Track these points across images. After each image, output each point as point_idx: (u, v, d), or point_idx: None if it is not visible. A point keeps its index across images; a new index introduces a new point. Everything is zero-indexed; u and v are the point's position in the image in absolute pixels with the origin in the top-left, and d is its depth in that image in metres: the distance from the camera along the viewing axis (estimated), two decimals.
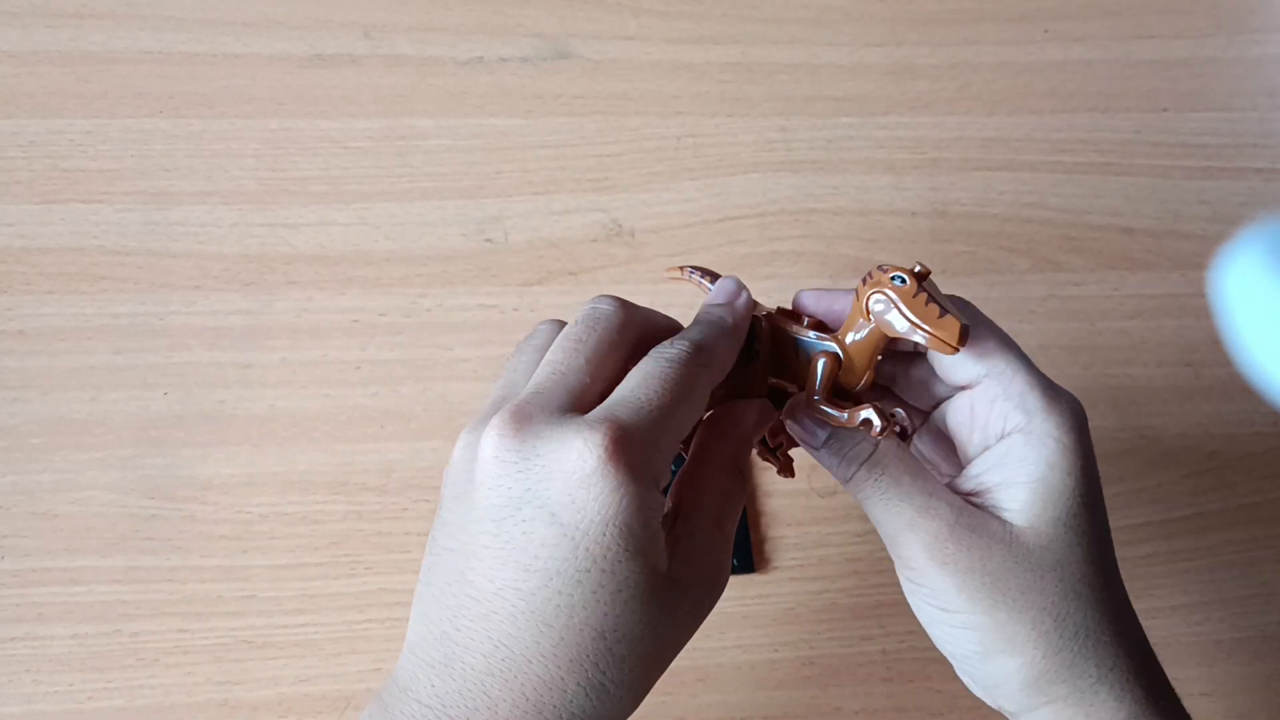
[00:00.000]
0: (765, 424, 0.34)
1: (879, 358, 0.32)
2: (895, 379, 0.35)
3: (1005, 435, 0.31)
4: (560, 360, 0.29)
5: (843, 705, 0.47)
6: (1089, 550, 0.31)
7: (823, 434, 0.32)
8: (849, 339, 0.32)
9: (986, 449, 0.32)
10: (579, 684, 0.27)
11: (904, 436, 0.33)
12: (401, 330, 0.52)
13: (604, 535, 0.26)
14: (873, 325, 0.31)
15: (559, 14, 0.59)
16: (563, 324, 0.32)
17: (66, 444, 0.48)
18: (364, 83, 0.57)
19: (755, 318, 0.34)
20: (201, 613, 0.46)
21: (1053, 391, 0.31)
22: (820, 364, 0.32)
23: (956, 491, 0.32)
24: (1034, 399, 0.31)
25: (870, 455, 0.32)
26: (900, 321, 0.30)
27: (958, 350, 0.30)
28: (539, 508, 0.27)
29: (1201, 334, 0.55)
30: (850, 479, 0.32)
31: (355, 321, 0.52)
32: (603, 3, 0.60)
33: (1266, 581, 0.51)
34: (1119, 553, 0.50)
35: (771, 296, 0.54)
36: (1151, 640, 0.49)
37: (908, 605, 0.33)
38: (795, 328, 0.33)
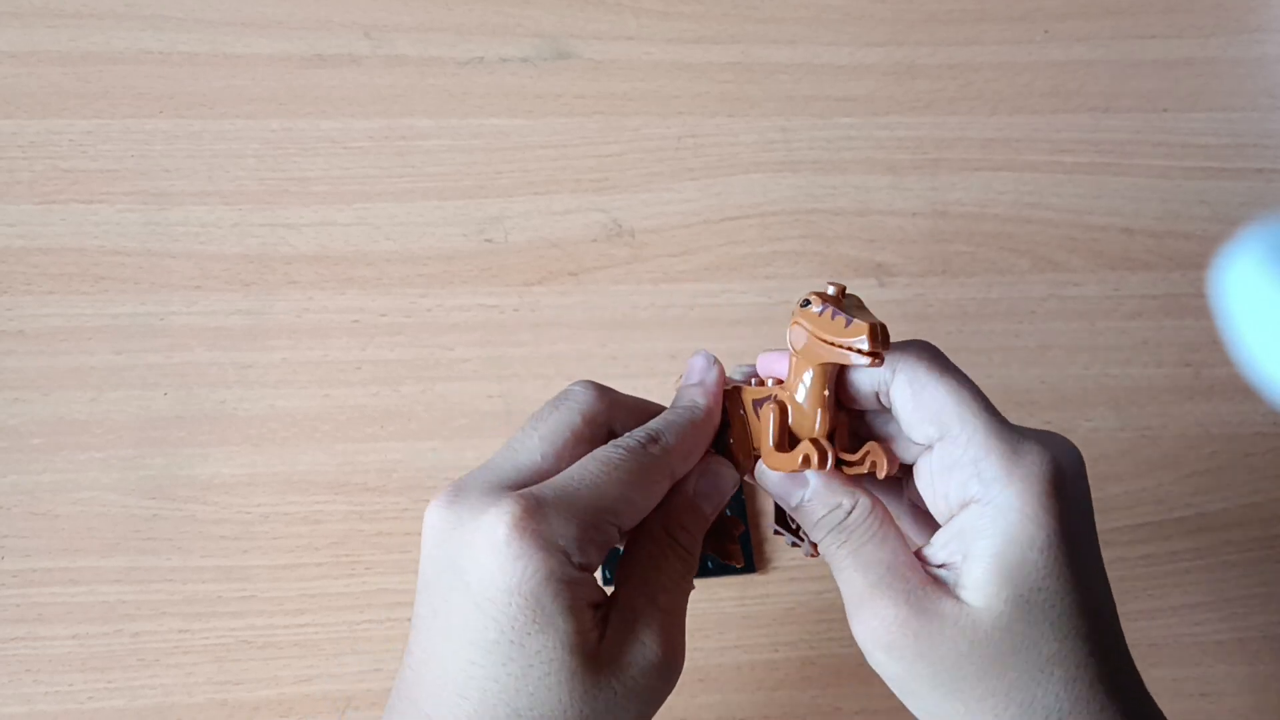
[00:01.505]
0: (719, 490, 0.32)
1: (826, 394, 0.30)
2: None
3: (965, 505, 0.29)
4: (517, 438, 0.30)
5: (843, 705, 0.47)
6: (1059, 626, 0.28)
7: (796, 494, 0.31)
8: (798, 386, 0.30)
9: (950, 518, 0.29)
10: None
11: (873, 475, 0.30)
12: (401, 330, 0.52)
13: (510, 605, 0.26)
14: (813, 366, 0.29)
15: (559, 14, 0.59)
16: (596, 387, 0.31)
17: (67, 444, 0.48)
18: (364, 83, 0.57)
19: (725, 391, 0.32)
20: (202, 613, 0.46)
21: (1014, 454, 0.28)
22: (768, 416, 0.31)
23: (926, 563, 0.30)
24: (991, 466, 0.28)
25: (840, 521, 0.30)
26: (814, 345, 0.29)
27: (878, 357, 0.28)
28: (456, 575, 0.27)
29: (1202, 334, 0.55)
30: (820, 543, 0.31)
31: (355, 321, 0.52)
32: (603, 3, 0.60)
33: (1266, 581, 0.51)
34: (1119, 553, 0.50)
35: (772, 296, 0.54)
36: (1151, 640, 0.49)
37: None
38: (747, 392, 0.32)
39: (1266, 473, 0.53)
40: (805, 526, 0.31)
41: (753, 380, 0.33)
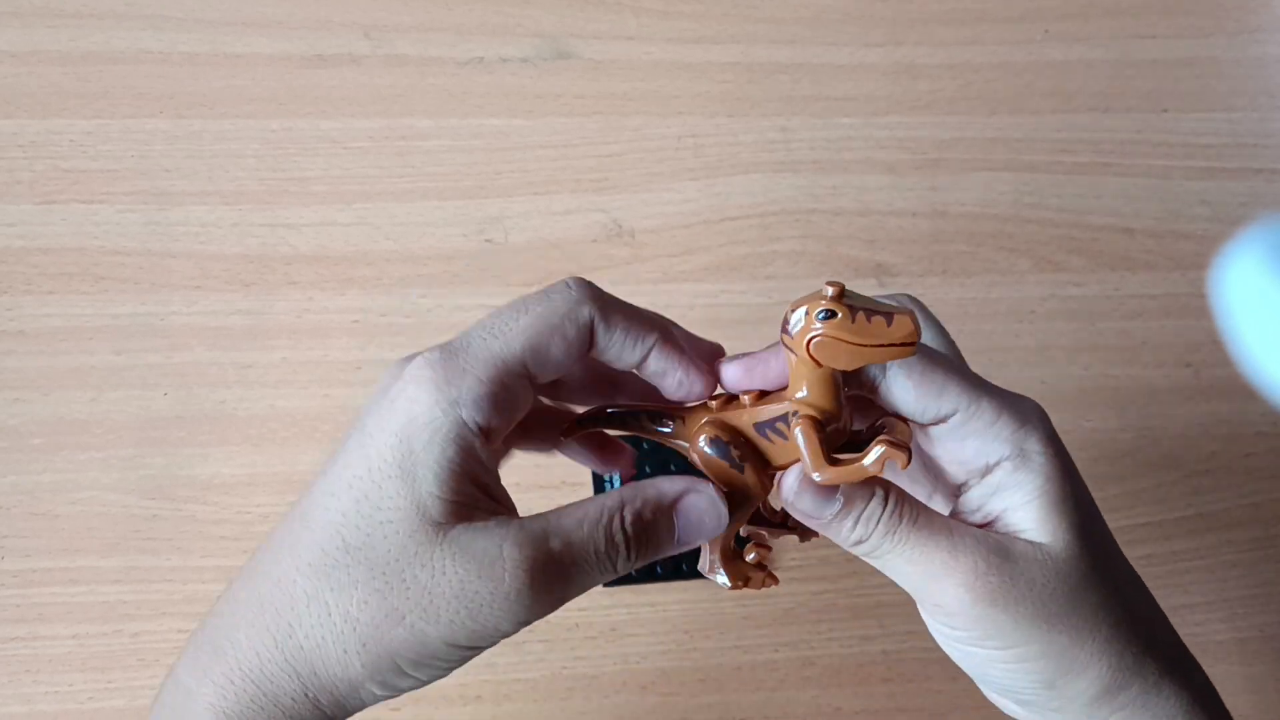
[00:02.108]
0: (700, 526, 0.30)
1: (845, 391, 0.29)
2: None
3: (991, 467, 0.30)
4: (497, 321, 0.29)
5: (843, 705, 0.47)
6: (1109, 545, 0.30)
7: (832, 506, 0.30)
8: (801, 396, 0.29)
9: (975, 483, 0.30)
10: (305, 592, 0.26)
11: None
12: (401, 330, 0.52)
13: (384, 446, 0.26)
14: (823, 369, 0.28)
15: (559, 14, 0.59)
16: (587, 284, 0.30)
17: (67, 444, 0.48)
18: (364, 83, 0.57)
19: (714, 438, 0.30)
20: (202, 613, 0.46)
21: (1016, 408, 0.30)
22: (799, 432, 0.29)
23: (967, 524, 0.30)
24: (1006, 426, 0.29)
25: (883, 512, 0.29)
26: (858, 354, 0.27)
27: (918, 339, 0.27)
28: (362, 417, 0.28)
29: (1202, 334, 0.55)
30: (866, 541, 0.30)
31: (355, 321, 0.52)
32: (603, 3, 0.60)
33: (1266, 581, 0.51)
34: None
35: (771, 296, 0.54)
36: None
37: (908, 605, 0.33)
38: (742, 414, 0.30)
39: (1266, 473, 0.53)
40: (839, 538, 0.30)
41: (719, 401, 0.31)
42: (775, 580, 0.33)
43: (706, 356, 0.31)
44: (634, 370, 0.31)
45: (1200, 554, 0.51)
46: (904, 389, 0.30)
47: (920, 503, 0.30)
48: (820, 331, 0.27)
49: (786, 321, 0.28)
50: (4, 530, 0.47)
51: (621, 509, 0.29)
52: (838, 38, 0.61)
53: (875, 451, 0.28)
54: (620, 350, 0.29)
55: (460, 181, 0.55)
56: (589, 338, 0.29)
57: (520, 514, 0.28)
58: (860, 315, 0.27)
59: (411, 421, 0.26)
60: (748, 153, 0.57)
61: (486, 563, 0.26)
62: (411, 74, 0.57)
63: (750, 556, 0.33)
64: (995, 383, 0.31)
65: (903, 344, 0.27)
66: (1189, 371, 0.54)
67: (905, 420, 0.30)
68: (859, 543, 0.30)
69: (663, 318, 0.31)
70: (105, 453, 0.48)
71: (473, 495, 0.27)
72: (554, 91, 0.58)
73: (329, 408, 0.50)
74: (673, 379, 0.30)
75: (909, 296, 0.31)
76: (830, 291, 0.28)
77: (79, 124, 0.54)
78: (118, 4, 0.57)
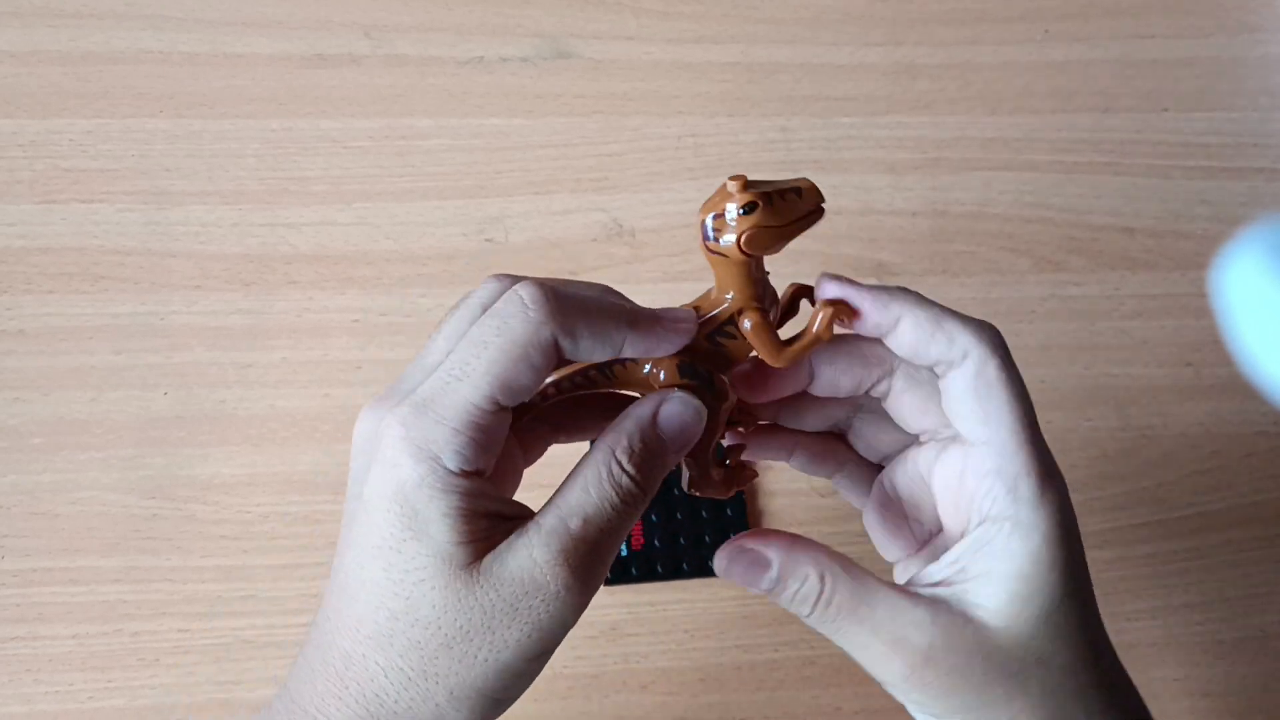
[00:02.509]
0: (681, 419, 0.30)
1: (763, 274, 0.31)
2: (851, 428, 0.35)
3: (986, 519, 0.29)
4: (453, 360, 0.28)
5: (843, 705, 0.47)
6: (1071, 640, 0.29)
7: (767, 578, 0.30)
8: (730, 296, 0.30)
9: (964, 531, 0.30)
10: (378, 664, 0.27)
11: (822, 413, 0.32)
12: (401, 330, 0.52)
13: (389, 513, 0.27)
14: (736, 263, 0.29)
15: (559, 14, 0.59)
16: (511, 280, 0.30)
17: (67, 444, 0.48)
18: (364, 83, 0.57)
19: (681, 363, 0.30)
20: (202, 613, 0.46)
21: (1048, 477, 0.29)
22: (750, 327, 0.30)
23: (917, 585, 0.30)
24: (1027, 486, 0.29)
25: (819, 594, 0.30)
26: (784, 235, 0.29)
27: (824, 199, 0.29)
28: (358, 485, 0.28)
29: (1202, 334, 0.55)
30: (809, 618, 0.30)
31: (355, 321, 0.52)
32: (603, 3, 0.60)
33: (1266, 581, 0.51)
34: (1120, 553, 0.51)
35: None
36: (1151, 640, 0.49)
37: None
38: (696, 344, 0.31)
39: (1267, 472, 0.52)
40: (785, 605, 0.31)
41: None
42: (755, 473, 0.33)
43: (664, 335, 0.30)
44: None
45: (1200, 554, 0.51)
46: (964, 390, 0.30)
47: (863, 577, 0.30)
48: (750, 225, 0.28)
49: (705, 231, 0.29)
50: (4, 530, 0.47)
51: (614, 456, 0.29)
52: (838, 38, 0.61)
53: (820, 316, 0.30)
54: (590, 354, 0.29)
55: (460, 181, 0.55)
56: (553, 359, 0.28)
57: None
58: (775, 198, 0.29)
59: (402, 486, 0.27)
60: (748, 153, 0.57)
61: (525, 577, 0.27)
62: (411, 74, 0.57)
63: (728, 463, 0.33)
64: (1033, 419, 0.31)
65: (816, 209, 0.29)
66: (1189, 371, 0.54)
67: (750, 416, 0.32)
68: (804, 618, 0.30)
69: (622, 303, 0.30)
70: (105, 453, 0.48)
71: (487, 528, 0.27)
72: (554, 91, 0.58)
73: (329, 407, 0.50)
74: (653, 350, 0.30)
75: (995, 331, 0.32)
76: (735, 186, 0.28)
77: (79, 124, 0.54)
78: (118, 4, 0.57)
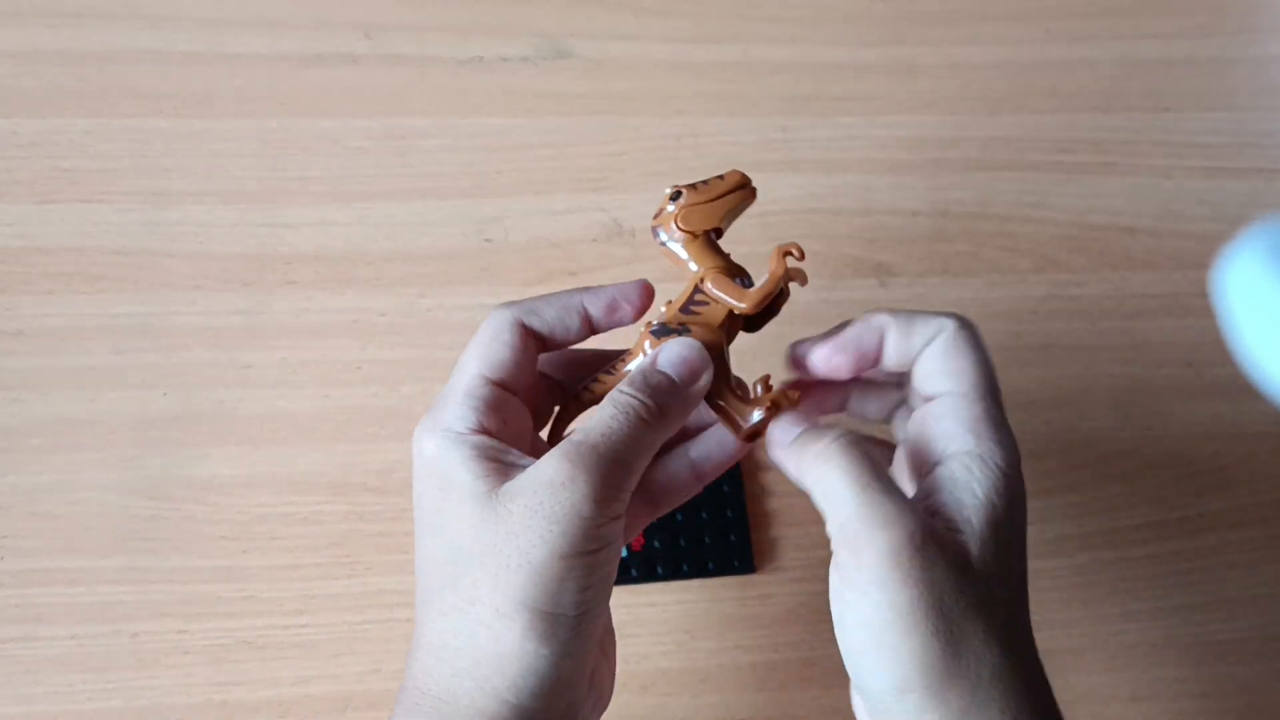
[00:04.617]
0: (682, 358, 0.34)
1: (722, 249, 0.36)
2: (853, 393, 0.38)
3: (950, 457, 0.32)
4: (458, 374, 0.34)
5: (843, 706, 0.47)
6: (1020, 576, 0.32)
7: (793, 432, 0.34)
8: (695, 269, 0.35)
9: (935, 464, 0.32)
10: (439, 609, 0.31)
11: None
12: (401, 330, 0.52)
13: (430, 476, 0.32)
14: (699, 239, 0.35)
15: (559, 14, 0.59)
16: (506, 303, 0.35)
17: (66, 444, 0.48)
18: (364, 83, 0.57)
19: (657, 328, 0.35)
20: (201, 613, 0.46)
21: (1005, 426, 0.33)
22: (710, 285, 0.35)
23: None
24: (987, 427, 0.32)
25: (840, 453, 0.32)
26: (716, 209, 0.34)
27: (749, 179, 0.35)
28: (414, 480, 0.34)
29: (1203, 334, 0.55)
30: (822, 449, 0.32)
31: (355, 321, 0.52)
32: (603, 3, 0.60)
33: (1266, 581, 0.51)
34: (1120, 553, 0.51)
35: None
36: (1151, 640, 0.49)
37: None
38: (670, 312, 0.35)
39: (1267, 473, 0.53)
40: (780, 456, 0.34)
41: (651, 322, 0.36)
42: (795, 399, 0.35)
43: (616, 288, 0.36)
44: (590, 333, 0.36)
45: (1200, 554, 0.51)
46: (936, 356, 0.34)
47: (879, 458, 0.33)
48: (678, 207, 0.34)
49: (656, 236, 0.35)
50: (3, 530, 0.46)
51: (620, 390, 0.33)
52: (838, 38, 0.61)
53: (773, 257, 0.34)
54: (561, 321, 0.35)
55: (460, 181, 0.55)
56: (526, 334, 0.34)
57: None
58: (699, 184, 0.35)
59: (429, 460, 0.32)
60: (748, 152, 0.57)
61: (532, 479, 0.30)
62: (411, 73, 0.57)
63: (758, 390, 0.36)
64: (994, 383, 0.33)
65: (743, 185, 0.35)
66: (1190, 371, 0.54)
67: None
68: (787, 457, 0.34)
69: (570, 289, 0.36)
70: (104, 453, 0.48)
71: (505, 467, 0.31)
72: (554, 91, 0.58)
73: (328, 408, 0.50)
74: (616, 304, 0.35)
75: (957, 314, 0.35)
76: (669, 189, 0.35)
77: (77, 124, 0.54)
78: (116, 4, 0.57)
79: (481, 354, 0.33)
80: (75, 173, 0.53)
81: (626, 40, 0.59)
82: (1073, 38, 0.62)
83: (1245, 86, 0.61)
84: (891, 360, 0.34)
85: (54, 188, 0.53)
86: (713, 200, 0.34)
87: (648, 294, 0.36)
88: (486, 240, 0.54)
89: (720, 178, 0.34)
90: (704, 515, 0.48)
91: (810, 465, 0.32)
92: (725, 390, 0.35)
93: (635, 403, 0.32)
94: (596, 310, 0.35)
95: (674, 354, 0.34)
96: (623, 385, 0.33)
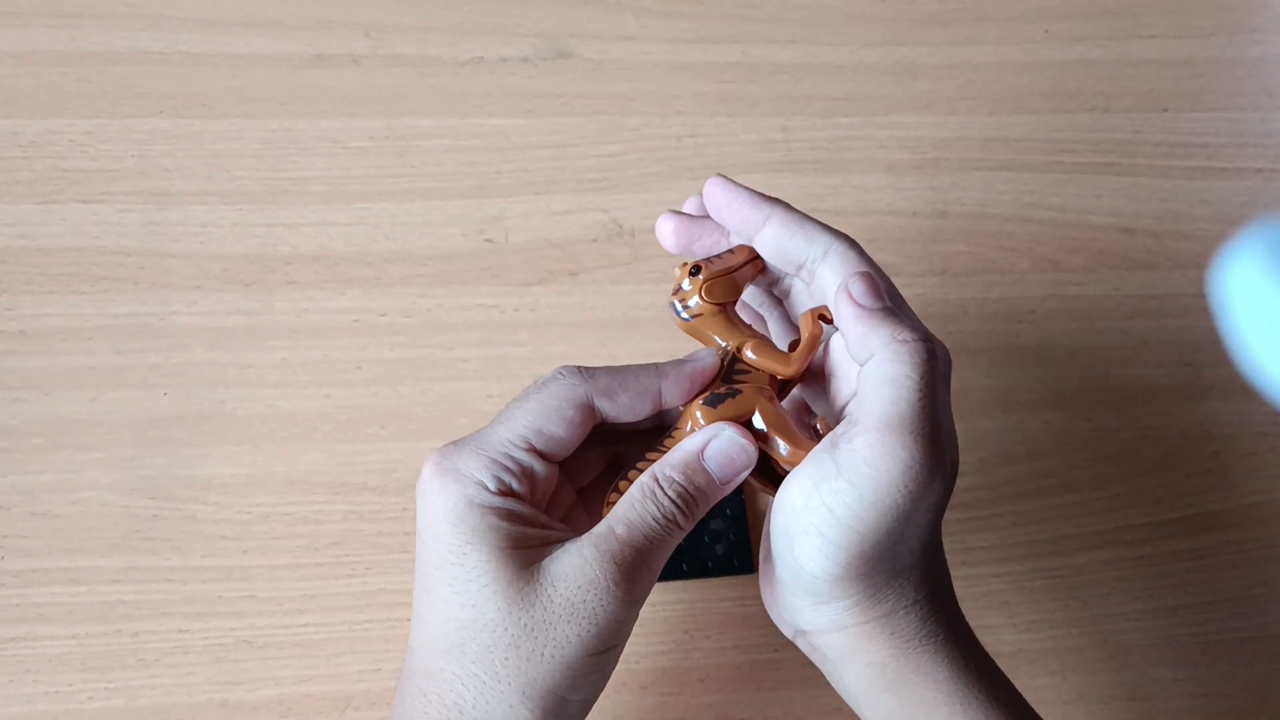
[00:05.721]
0: (728, 457, 0.33)
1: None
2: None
3: (860, 372, 0.32)
4: (502, 416, 0.33)
5: (843, 706, 0.47)
6: (940, 502, 0.32)
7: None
8: (724, 344, 0.35)
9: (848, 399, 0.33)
10: (454, 674, 0.30)
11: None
12: (401, 330, 0.52)
13: (444, 532, 0.30)
14: (716, 316, 0.35)
15: (559, 14, 0.59)
16: (579, 369, 0.33)
17: (67, 444, 0.48)
18: (364, 83, 0.57)
19: (708, 398, 0.34)
20: (201, 613, 0.46)
21: (913, 330, 0.32)
22: (752, 354, 0.35)
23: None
24: (889, 332, 0.32)
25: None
26: (734, 281, 0.35)
27: (758, 253, 0.35)
28: (420, 527, 0.32)
29: (1202, 334, 0.55)
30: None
31: (355, 321, 0.52)
32: (603, 3, 0.60)
33: (1266, 581, 0.51)
34: (1119, 553, 0.51)
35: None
36: (1151, 641, 0.49)
37: None
38: (719, 409, 0.34)
39: (1267, 473, 0.53)
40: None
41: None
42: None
43: (695, 370, 0.34)
44: (657, 414, 0.35)
45: (1200, 554, 0.51)
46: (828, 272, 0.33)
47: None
48: (703, 280, 0.35)
49: (675, 311, 0.35)
50: (4, 530, 0.47)
51: (658, 481, 0.32)
52: (838, 38, 0.61)
53: (805, 319, 0.35)
54: (631, 409, 0.33)
55: (460, 181, 0.55)
56: (590, 415, 0.33)
57: None
58: (714, 259, 0.35)
59: (455, 507, 0.30)
60: (748, 152, 0.57)
61: (577, 574, 0.30)
62: (411, 74, 0.57)
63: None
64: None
65: (753, 258, 0.35)
66: (1189, 371, 0.54)
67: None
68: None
69: (647, 365, 0.34)
70: (105, 453, 0.48)
71: (539, 537, 0.31)
72: (554, 91, 0.58)
73: (329, 408, 0.50)
74: (693, 389, 0.34)
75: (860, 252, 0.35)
76: (685, 264, 0.35)
77: (78, 124, 0.54)
78: (118, 4, 0.57)
79: (534, 421, 0.32)
80: (76, 173, 0.53)
81: (627, 41, 0.59)
82: (1072, 38, 0.62)
83: (1245, 86, 0.61)
84: (770, 249, 0.34)
85: (55, 188, 0.53)
86: (731, 271, 0.35)
87: (715, 360, 0.35)
88: (487, 240, 0.54)
89: (731, 252, 0.35)
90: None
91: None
92: (798, 416, 0.37)
93: (674, 510, 0.32)
94: (673, 398, 0.34)
95: (721, 453, 0.33)
96: (668, 471, 0.32)
